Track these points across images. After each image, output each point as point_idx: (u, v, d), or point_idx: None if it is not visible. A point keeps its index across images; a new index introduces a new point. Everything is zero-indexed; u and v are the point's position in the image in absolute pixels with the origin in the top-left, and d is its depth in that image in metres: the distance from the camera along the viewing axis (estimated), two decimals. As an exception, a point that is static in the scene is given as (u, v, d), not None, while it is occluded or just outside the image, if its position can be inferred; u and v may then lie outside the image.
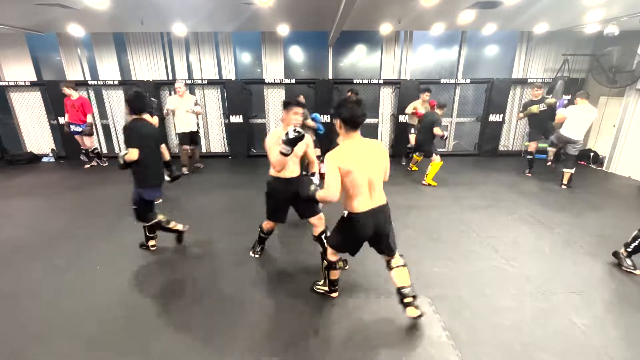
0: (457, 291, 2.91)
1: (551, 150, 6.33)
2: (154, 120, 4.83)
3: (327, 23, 5.81)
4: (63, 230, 4.08)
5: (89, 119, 6.57)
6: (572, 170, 5.45)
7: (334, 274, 2.73)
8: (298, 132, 2.48)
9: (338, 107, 2.21)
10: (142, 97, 3.11)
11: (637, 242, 3.06)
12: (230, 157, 7.36)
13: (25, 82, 7.28)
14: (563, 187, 5.51)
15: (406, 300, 2.41)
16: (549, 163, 6.29)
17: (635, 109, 6.22)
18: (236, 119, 7.38)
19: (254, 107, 7.87)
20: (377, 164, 2.28)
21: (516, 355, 2.24)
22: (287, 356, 2.24)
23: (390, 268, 2.52)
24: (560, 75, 6.99)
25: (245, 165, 7.06)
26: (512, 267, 3.29)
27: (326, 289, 2.83)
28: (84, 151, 6.94)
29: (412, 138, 6.59)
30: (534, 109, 5.91)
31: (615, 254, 3.26)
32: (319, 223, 3.13)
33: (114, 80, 7.30)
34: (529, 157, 6.30)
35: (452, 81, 7.52)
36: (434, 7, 4.61)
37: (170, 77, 7.63)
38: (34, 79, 7.47)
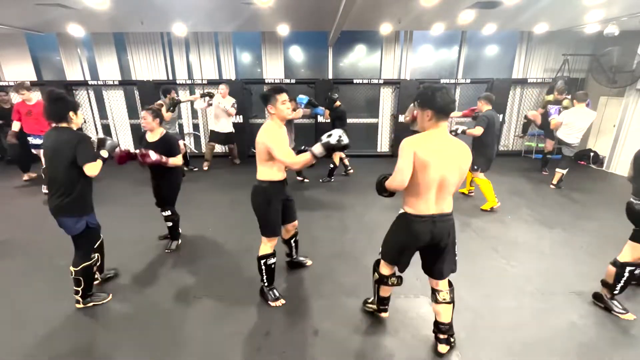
0: (457, 291, 2.86)
1: (559, 173, 5.62)
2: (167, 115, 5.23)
3: (327, 23, 5.81)
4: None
5: None
6: (564, 171, 5.43)
7: (385, 291, 2.41)
8: (343, 140, 2.20)
9: (428, 96, 1.89)
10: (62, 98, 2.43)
11: (622, 281, 2.54)
12: (230, 157, 7.36)
13: (25, 82, 7.27)
14: (552, 186, 5.51)
15: (441, 335, 2.21)
16: (545, 173, 6.18)
17: (635, 109, 6.21)
18: (236, 119, 7.37)
19: (254, 107, 7.88)
20: (457, 166, 1.94)
21: (516, 355, 2.24)
22: (286, 356, 2.25)
23: (436, 301, 2.20)
24: (560, 75, 7.00)
25: (245, 165, 7.07)
26: (512, 267, 3.29)
27: (374, 307, 2.55)
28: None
29: None
30: (551, 98, 6.35)
31: (597, 298, 2.72)
32: (293, 228, 2.98)
33: (114, 80, 7.30)
34: (548, 156, 6.56)
35: (452, 81, 7.52)
36: (434, 7, 4.61)
37: (170, 77, 7.63)
38: (34, 79, 7.48)
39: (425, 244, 2.05)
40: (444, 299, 2.18)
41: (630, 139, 6.31)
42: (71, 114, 2.42)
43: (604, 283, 2.65)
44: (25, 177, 6.00)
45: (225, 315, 2.63)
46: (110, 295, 2.80)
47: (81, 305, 2.67)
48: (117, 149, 2.81)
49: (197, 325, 2.52)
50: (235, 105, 6.53)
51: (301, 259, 3.26)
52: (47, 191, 2.57)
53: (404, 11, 5.30)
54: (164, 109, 5.61)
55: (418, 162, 1.88)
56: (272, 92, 2.44)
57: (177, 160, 3.28)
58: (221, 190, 5.59)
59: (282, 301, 2.73)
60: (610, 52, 6.15)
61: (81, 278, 2.58)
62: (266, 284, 2.74)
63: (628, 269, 2.49)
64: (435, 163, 1.87)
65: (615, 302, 2.62)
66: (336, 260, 3.38)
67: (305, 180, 5.96)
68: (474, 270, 3.23)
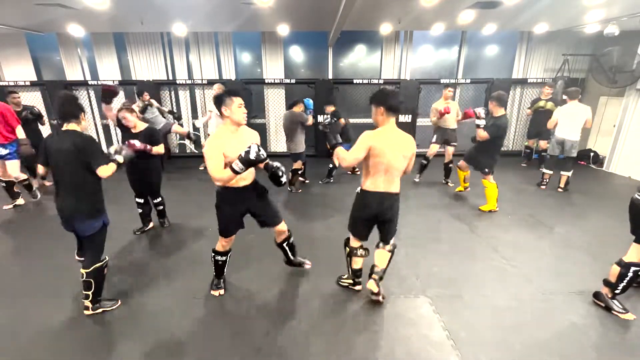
0: (457, 291, 2.91)
1: (547, 174, 5.57)
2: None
3: (327, 23, 5.81)
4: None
5: (20, 133, 4.49)
6: (570, 173, 5.36)
7: (356, 262, 2.80)
8: (261, 155, 2.21)
9: (381, 96, 2.38)
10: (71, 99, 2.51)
11: (624, 281, 2.53)
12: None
13: (25, 82, 7.28)
14: (560, 190, 5.43)
15: (373, 276, 2.68)
16: (543, 187, 5.62)
17: (635, 109, 6.21)
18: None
19: (254, 107, 7.87)
20: (402, 153, 2.43)
21: (516, 355, 2.24)
22: (286, 356, 2.25)
23: (377, 247, 2.74)
24: (560, 75, 7.00)
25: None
26: (512, 267, 3.29)
27: (350, 281, 2.90)
28: (3, 184, 4.71)
29: (434, 148, 5.64)
30: (542, 103, 6.36)
31: (598, 296, 2.72)
32: (282, 229, 2.86)
33: (114, 80, 7.29)
34: (527, 150, 7.23)
35: (452, 81, 7.51)
36: (434, 7, 4.61)
37: (170, 77, 7.64)
38: (34, 79, 7.48)
39: (374, 215, 2.57)
40: (384, 247, 2.72)
41: (630, 139, 6.31)
42: (82, 114, 2.51)
43: (606, 282, 2.64)
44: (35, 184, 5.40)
45: (225, 316, 2.63)
46: (120, 301, 2.75)
47: (90, 312, 2.60)
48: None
49: (198, 326, 2.52)
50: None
51: (300, 259, 3.19)
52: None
53: (404, 11, 5.30)
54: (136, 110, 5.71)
55: (373, 152, 2.37)
56: (227, 94, 2.37)
57: (159, 149, 3.59)
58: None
59: (221, 292, 2.87)
60: (610, 52, 6.15)
61: (92, 280, 2.53)
62: (214, 274, 2.92)
63: (633, 269, 2.48)
64: (386, 152, 2.37)
65: (615, 302, 2.62)
66: (336, 260, 3.38)
67: (306, 181, 5.96)
68: (474, 270, 3.23)
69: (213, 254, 2.80)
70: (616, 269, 2.55)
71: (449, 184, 5.75)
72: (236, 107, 2.35)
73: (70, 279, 2.97)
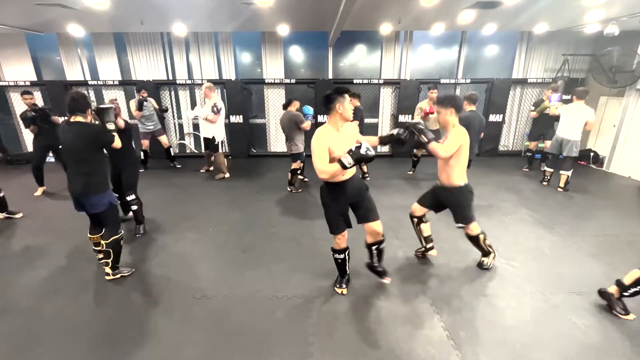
0: (457, 291, 2.91)
1: (548, 171, 5.71)
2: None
3: (327, 23, 5.81)
4: (64, 228, 4.08)
5: None
6: (569, 173, 5.32)
7: (425, 229, 3.29)
8: (370, 153, 2.26)
9: (452, 99, 2.84)
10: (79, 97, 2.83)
11: (638, 287, 2.48)
12: (230, 157, 7.36)
13: (25, 82, 7.28)
14: (559, 189, 5.42)
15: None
16: (545, 183, 5.73)
17: (635, 109, 6.22)
18: (236, 119, 7.39)
19: (254, 107, 7.88)
20: None
21: (516, 355, 2.24)
22: (286, 356, 2.25)
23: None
24: (560, 75, 7.00)
25: (245, 165, 7.08)
26: (512, 267, 3.29)
27: (421, 250, 3.41)
28: None
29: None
30: (547, 105, 6.09)
31: (603, 294, 2.70)
32: (377, 229, 2.71)
33: (114, 80, 7.30)
34: (528, 154, 6.83)
35: (452, 81, 7.52)
36: (434, 7, 4.62)
37: (170, 77, 7.64)
38: (34, 79, 7.47)
39: None
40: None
41: (630, 139, 6.31)
42: (89, 110, 2.88)
43: (619, 283, 2.59)
44: (39, 192, 5.48)
45: (225, 316, 2.63)
46: (134, 268, 3.19)
47: (111, 277, 3.02)
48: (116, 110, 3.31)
49: (198, 326, 2.52)
50: (217, 108, 5.69)
51: (382, 268, 2.94)
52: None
53: (404, 11, 5.30)
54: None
55: (463, 146, 2.79)
56: (340, 92, 2.44)
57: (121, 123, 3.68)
58: (221, 191, 5.59)
59: (344, 291, 2.88)
60: (610, 52, 6.15)
61: (111, 250, 2.96)
62: (338, 273, 2.95)
63: None
64: (467, 143, 2.83)
65: (619, 302, 2.60)
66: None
67: (306, 179, 5.96)
68: (474, 270, 3.23)
69: (332, 253, 2.81)
70: (636, 274, 2.48)
71: (408, 171, 6.36)
72: (347, 102, 2.45)
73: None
